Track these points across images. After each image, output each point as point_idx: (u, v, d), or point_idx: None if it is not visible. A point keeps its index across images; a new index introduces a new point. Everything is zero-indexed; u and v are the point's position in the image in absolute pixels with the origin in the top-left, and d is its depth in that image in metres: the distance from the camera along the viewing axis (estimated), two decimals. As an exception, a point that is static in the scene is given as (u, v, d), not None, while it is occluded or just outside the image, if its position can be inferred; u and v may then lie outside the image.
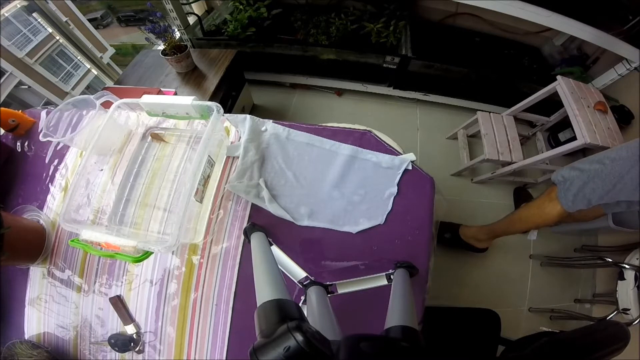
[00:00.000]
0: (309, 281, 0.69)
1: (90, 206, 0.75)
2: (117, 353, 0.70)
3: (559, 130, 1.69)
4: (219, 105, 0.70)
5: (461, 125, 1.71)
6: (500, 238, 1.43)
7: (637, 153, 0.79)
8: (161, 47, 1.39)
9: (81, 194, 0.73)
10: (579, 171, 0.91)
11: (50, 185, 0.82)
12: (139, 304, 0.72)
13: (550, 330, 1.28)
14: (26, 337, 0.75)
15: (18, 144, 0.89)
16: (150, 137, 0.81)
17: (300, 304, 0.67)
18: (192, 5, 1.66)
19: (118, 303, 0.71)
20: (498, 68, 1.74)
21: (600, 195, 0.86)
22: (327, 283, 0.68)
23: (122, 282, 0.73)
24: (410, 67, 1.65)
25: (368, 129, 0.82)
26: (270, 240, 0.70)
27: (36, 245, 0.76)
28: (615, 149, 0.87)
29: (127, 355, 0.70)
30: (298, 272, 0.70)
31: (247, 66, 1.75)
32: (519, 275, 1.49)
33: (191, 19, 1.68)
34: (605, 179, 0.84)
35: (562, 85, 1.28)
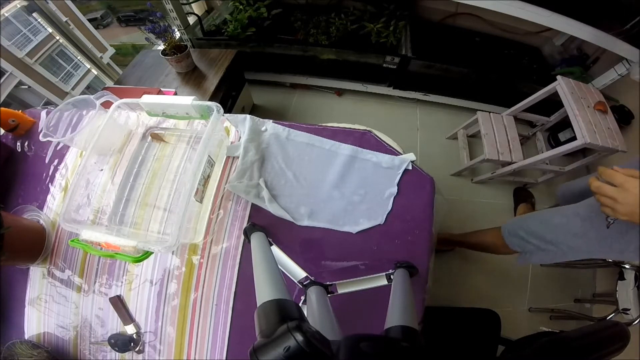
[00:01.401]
0: (309, 281, 0.69)
1: (90, 206, 0.75)
2: (117, 353, 0.70)
3: (559, 130, 1.70)
4: (219, 105, 0.70)
5: (461, 125, 1.71)
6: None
7: (598, 249, 0.75)
8: (161, 47, 1.39)
9: (81, 194, 0.73)
10: (534, 247, 0.89)
11: (50, 185, 0.82)
12: (139, 304, 0.72)
13: (550, 330, 1.28)
14: (26, 337, 0.75)
15: (18, 144, 0.89)
16: (150, 137, 0.81)
17: (300, 304, 0.67)
18: (192, 5, 1.66)
19: (118, 303, 0.71)
20: (498, 68, 1.74)
21: (563, 259, 0.86)
22: (327, 283, 0.68)
23: (122, 282, 0.73)
24: (410, 67, 1.65)
25: (368, 129, 0.82)
26: (270, 240, 0.70)
27: (36, 245, 0.76)
28: (570, 235, 0.79)
29: (127, 355, 0.70)
30: (298, 272, 0.70)
31: (247, 66, 1.75)
32: (519, 275, 1.49)
33: (191, 19, 1.68)
34: (570, 256, 0.83)
35: (562, 85, 1.28)
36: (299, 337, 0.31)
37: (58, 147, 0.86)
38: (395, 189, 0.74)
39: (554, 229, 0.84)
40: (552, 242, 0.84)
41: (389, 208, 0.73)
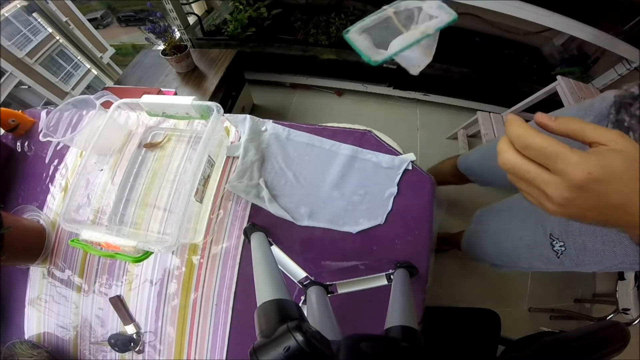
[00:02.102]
0: (309, 281, 0.69)
1: (90, 206, 0.75)
2: (117, 353, 0.70)
3: (559, 130, 1.69)
4: (219, 105, 0.70)
5: (461, 125, 1.71)
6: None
7: (557, 268, 0.71)
8: (161, 47, 1.39)
9: (81, 194, 0.73)
10: (496, 264, 0.90)
11: (50, 185, 0.82)
12: (139, 304, 0.72)
13: (550, 330, 1.28)
14: (26, 337, 0.75)
15: (18, 144, 0.89)
16: (144, 149, 0.80)
17: (300, 304, 0.67)
18: (192, 5, 1.66)
19: (118, 303, 0.71)
20: (498, 68, 1.74)
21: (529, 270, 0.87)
22: (327, 283, 0.68)
23: (122, 282, 0.73)
24: (410, 67, 1.65)
25: (368, 129, 0.82)
26: (270, 240, 0.70)
27: (36, 245, 0.76)
28: (522, 260, 0.78)
29: (127, 355, 0.70)
30: (298, 272, 0.70)
31: (247, 66, 1.75)
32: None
33: (191, 19, 1.68)
34: (533, 270, 0.82)
35: (562, 85, 1.28)
36: (299, 337, 0.31)
37: (58, 147, 0.86)
38: (395, 189, 0.74)
39: (505, 253, 0.81)
40: (509, 262, 0.82)
41: (389, 208, 0.73)
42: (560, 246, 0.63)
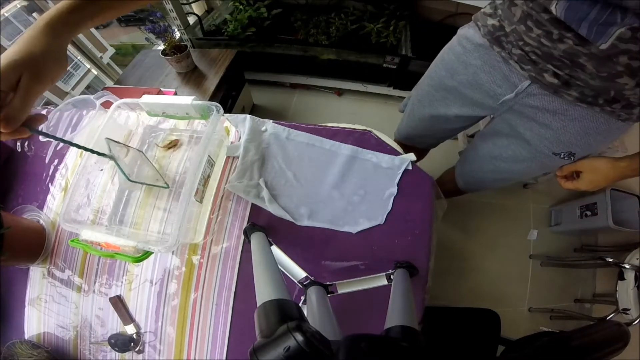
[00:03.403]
0: (309, 281, 0.69)
1: (90, 206, 0.75)
2: (117, 353, 0.70)
3: (559, 130, 1.69)
4: (219, 105, 0.70)
5: (461, 125, 1.71)
6: (499, 239, 1.42)
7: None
8: (161, 47, 1.39)
9: (81, 194, 0.73)
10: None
11: (50, 185, 0.82)
12: (139, 304, 0.72)
13: (550, 330, 1.28)
14: (26, 337, 0.75)
15: (18, 144, 0.89)
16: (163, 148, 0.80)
17: (300, 304, 0.67)
18: (192, 5, 1.67)
19: (118, 303, 0.71)
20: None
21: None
22: (327, 283, 0.68)
23: (122, 282, 0.73)
24: (410, 67, 1.65)
25: (368, 129, 0.82)
26: (270, 240, 0.70)
27: (36, 245, 0.76)
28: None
29: (127, 355, 0.70)
30: (298, 272, 0.70)
31: (247, 66, 1.75)
32: (519, 275, 1.49)
33: (191, 19, 1.69)
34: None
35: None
36: (299, 337, 0.31)
37: (58, 147, 0.86)
38: (395, 189, 0.74)
39: (509, 175, 0.89)
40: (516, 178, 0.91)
41: (389, 208, 0.73)
42: (567, 154, 0.69)
